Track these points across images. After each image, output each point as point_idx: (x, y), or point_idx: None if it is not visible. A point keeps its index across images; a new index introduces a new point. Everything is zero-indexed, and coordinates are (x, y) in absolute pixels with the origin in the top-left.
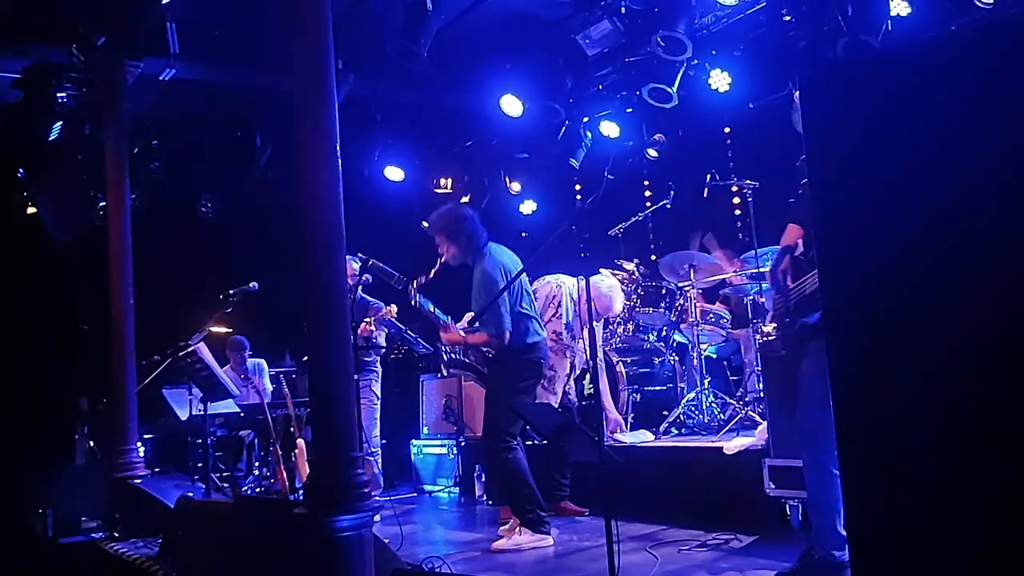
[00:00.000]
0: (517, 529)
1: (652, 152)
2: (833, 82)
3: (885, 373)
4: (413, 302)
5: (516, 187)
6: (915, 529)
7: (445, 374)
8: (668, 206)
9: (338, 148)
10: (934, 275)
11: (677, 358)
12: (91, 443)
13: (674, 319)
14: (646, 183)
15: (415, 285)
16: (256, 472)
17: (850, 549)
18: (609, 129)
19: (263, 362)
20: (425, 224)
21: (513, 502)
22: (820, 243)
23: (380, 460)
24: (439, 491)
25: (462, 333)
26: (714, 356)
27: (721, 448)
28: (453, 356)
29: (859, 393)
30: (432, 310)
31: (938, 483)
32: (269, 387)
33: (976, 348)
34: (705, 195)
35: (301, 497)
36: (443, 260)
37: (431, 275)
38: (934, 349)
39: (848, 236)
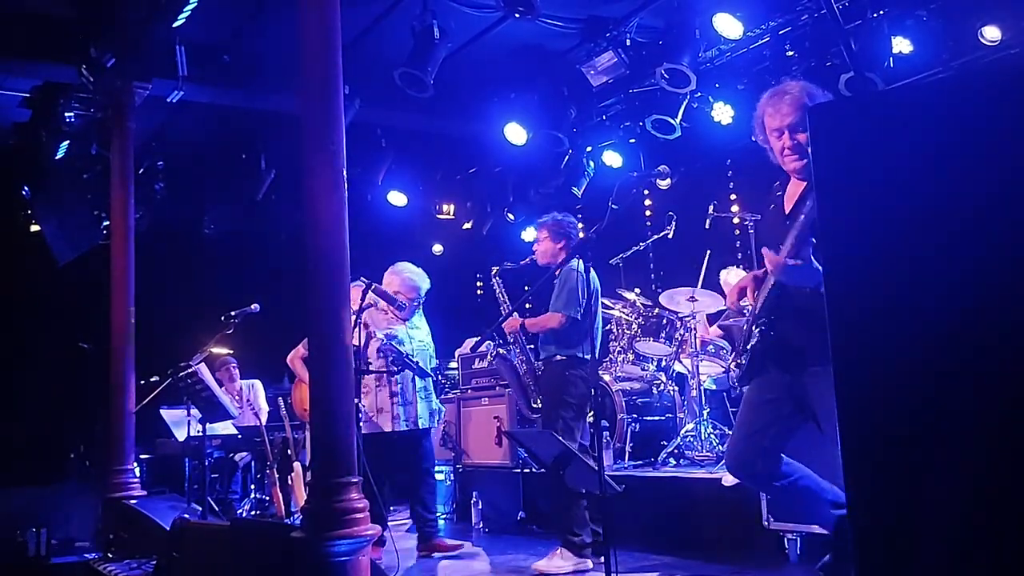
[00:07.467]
0: (559, 551)
1: (663, 183)
2: (845, 121)
3: (895, 412)
4: (494, 284)
5: (511, 217)
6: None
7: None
8: (669, 236)
9: (345, 172)
10: (948, 318)
11: (676, 388)
12: (86, 462)
13: (674, 350)
14: (648, 213)
15: (496, 270)
16: (252, 495)
17: None
18: (612, 159)
19: (257, 383)
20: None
21: (560, 522)
22: (830, 292)
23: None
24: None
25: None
26: (713, 387)
27: (719, 480)
28: (506, 355)
29: (868, 436)
30: (502, 296)
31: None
32: (265, 407)
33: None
34: (707, 227)
35: (298, 520)
36: (534, 256)
37: (517, 264)
38: (947, 384)
39: (857, 284)
